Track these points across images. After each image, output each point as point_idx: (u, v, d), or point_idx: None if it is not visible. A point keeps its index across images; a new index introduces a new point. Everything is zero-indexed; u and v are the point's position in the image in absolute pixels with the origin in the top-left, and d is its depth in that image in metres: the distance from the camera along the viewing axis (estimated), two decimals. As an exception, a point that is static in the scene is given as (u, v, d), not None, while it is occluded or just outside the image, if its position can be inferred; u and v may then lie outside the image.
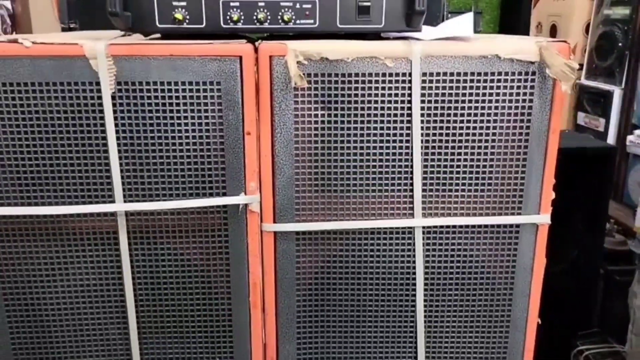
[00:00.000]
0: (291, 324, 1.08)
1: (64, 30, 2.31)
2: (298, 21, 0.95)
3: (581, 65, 2.84)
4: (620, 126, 2.55)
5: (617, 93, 2.52)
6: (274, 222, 1.02)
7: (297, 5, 0.94)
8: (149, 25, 0.93)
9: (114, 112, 0.94)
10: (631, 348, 1.48)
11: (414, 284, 1.06)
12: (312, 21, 0.95)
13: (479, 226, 1.03)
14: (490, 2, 3.72)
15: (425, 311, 1.07)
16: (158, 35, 1.01)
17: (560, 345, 2.12)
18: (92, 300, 1.03)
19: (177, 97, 0.94)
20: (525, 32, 3.25)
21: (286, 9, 0.94)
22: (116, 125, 0.94)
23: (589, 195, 2.08)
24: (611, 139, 2.57)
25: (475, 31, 2.69)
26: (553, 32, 2.98)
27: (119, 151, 0.95)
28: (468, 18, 1.02)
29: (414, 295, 1.06)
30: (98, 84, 0.92)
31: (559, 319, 2.19)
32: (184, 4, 0.92)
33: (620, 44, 2.54)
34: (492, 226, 1.04)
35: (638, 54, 2.46)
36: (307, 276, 1.06)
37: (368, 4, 0.95)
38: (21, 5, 2.27)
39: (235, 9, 0.93)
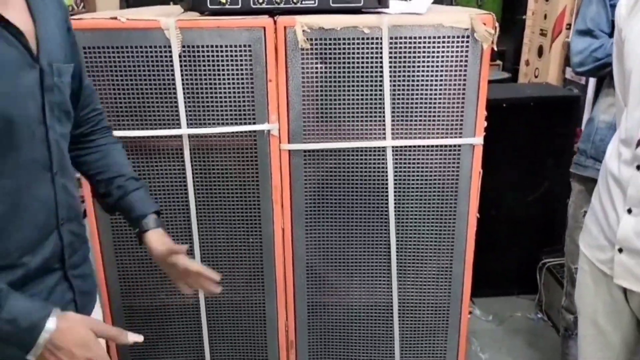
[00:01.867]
0: (301, 215, 1.54)
1: (121, 2, 2.77)
2: (303, 1, 1.38)
3: (570, 25, 3.17)
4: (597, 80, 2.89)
5: (596, 49, 2.84)
6: (288, 142, 1.47)
7: (303, -10, 1.37)
8: (203, 6, 1.37)
9: (180, 66, 1.39)
10: (566, 248, 1.89)
11: (386, 187, 1.50)
12: (313, 2, 1.38)
13: (432, 146, 1.47)
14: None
15: (395, 206, 1.52)
16: (209, 13, 1.44)
17: (531, 259, 2.54)
18: (165, 194, 1.51)
19: (222, 56, 1.38)
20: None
21: (295, -7, 1.37)
22: (182, 74, 1.39)
23: (558, 136, 2.47)
24: (590, 91, 2.92)
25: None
26: (547, -6, 3.30)
27: (184, 92, 1.41)
28: (426, 0, 1.43)
29: (387, 194, 1.51)
30: (169, 47, 1.37)
31: (531, 239, 2.62)
32: (226, -9, 1.36)
33: (601, 5, 2.85)
34: (442, 146, 1.47)
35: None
36: (312, 182, 1.51)
37: (351, -11, 1.37)
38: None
39: (260, -6, 1.37)
